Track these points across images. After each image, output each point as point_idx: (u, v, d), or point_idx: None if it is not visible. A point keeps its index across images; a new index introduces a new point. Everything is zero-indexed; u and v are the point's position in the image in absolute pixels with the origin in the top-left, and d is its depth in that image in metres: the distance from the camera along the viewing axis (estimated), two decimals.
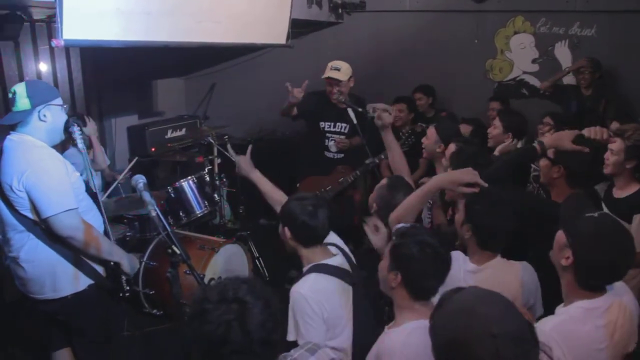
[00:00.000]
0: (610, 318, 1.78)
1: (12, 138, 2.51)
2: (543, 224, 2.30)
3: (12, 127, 2.53)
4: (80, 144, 2.74)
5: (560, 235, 1.84)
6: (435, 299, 1.82)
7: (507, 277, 2.23)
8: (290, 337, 2.23)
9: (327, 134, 4.33)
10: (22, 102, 2.47)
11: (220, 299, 1.44)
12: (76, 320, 2.66)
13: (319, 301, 2.22)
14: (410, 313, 1.87)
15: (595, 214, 1.84)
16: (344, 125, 4.29)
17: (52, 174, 2.45)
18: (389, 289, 1.94)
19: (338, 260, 2.41)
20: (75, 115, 3.72)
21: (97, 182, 2.74)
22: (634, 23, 4.84)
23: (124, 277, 2.68)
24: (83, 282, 2.59)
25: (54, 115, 2.56)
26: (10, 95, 2.52)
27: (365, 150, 3.85)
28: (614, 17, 4.96)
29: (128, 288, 2.71)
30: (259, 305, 1.44)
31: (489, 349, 1.27)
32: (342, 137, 4.31)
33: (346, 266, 2.43)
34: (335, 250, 2.47)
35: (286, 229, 2.37)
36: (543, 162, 2.63)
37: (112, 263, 2.65)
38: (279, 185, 2.82)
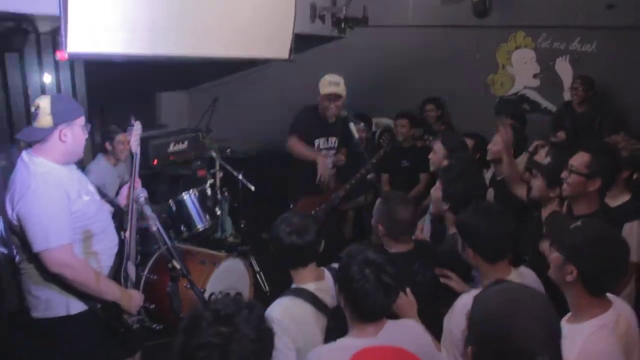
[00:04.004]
0: (619, 332, 1.77)
1: (23, 158, 2.38)
2: None
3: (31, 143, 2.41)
4: None
5: (554, 256, 1.83)
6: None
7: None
8: None
9: (322, 151, 4.23)
10: (45, 119, 2.32)
11: (214, 319, 1.35)
12: (60, 343, 2.49)
13: (289, 329, 2.06)
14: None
15: (579, 223, 1.85)
16: (333, 139, 4.25)
17: (46, 205, 2.29)
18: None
19: (323, 286, 2.26)
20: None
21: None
22: (634, 39, 4.88)
23: (125, 315, 2.56)
24: (76, 307, 2.46)
25: (75, 136, 2.42)
26: (32, 109, 2.36)
27: (358, 163, 3.88)
28: (614, 34, 4.99)
29: (130, 323, 2.60)
30: (251, 336, 1.33)
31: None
32: (333, 151, 4.27)
33: (330, 292, 2.22)
34: (328, 273, 2.33)
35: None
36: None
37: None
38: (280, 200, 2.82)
